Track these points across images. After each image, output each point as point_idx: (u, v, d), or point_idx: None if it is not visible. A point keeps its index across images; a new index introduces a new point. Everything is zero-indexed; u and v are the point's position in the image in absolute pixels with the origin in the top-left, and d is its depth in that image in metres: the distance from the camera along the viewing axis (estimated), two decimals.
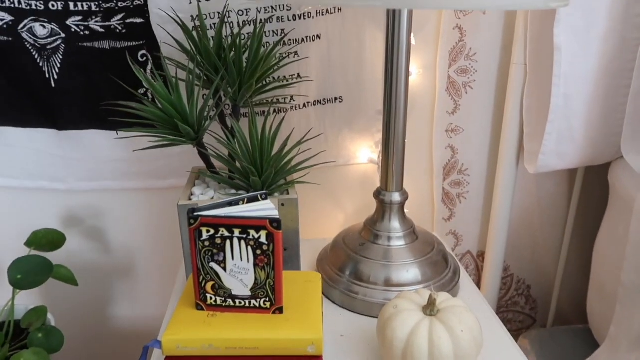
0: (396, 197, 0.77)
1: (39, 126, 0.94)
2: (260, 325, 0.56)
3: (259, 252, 0.56)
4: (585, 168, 1.02)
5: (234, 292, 0.58)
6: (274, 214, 0.56)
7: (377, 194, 0.78)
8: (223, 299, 0.58)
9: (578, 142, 0.86)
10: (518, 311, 1.20)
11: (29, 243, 0.83)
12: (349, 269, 0.77)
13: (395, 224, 0.78)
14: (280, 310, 0.58)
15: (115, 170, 0.97)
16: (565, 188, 1.05)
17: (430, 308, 0.60)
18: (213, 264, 0.57)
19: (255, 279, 0.57)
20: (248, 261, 0.56)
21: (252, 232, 0.55)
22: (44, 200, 0.99)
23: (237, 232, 0.55)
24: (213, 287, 0.58)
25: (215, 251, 0.56)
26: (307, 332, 0.55)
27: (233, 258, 0.56)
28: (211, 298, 0.58)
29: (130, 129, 0.75)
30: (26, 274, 0.74)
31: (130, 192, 1.01)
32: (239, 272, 0.57)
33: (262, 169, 0.71)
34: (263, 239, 0.55)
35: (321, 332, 0.55)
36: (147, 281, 1.07)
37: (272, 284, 0.57)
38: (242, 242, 0.55)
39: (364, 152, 1.00)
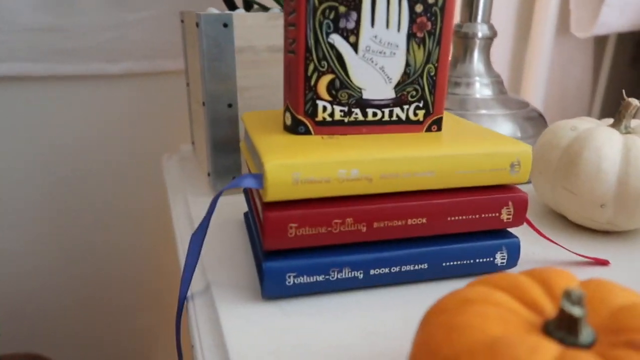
0: (485, 29, 0.57)
1: None
2: (424, 144, 0.33)
3: (419, 8, 0.32)
4: (614, 51, 0.91)
5: (365, 95, 0.33)
6: None
7: (457, 29, 0.58)
8: (345, 109, 0.33)
9: None
10: None
11: None
12: None
13: (481, 67, 0.58)
14: (438, 124, 0.35)
15: (38, 45, 0.65)
16: (590, 75, 0.94)
17: (626, 122, 0.41)
18: (335, 37, 0.31)
19: (407, 64, 0.33)
20: (399, 28, 0.32)
21: None
22: None
23: None
24: (330, 87, 0.32)
25: (342, 10, 0.31)
26: (507, 145, 0.33)
27: (373, 23, 0.32)
28: (325, 109, 0.33)
29: None
30: None
31: (64, 82, 0.68)
32: (379, 51, 0.32)
33: None
34: None
35: (528, 145, 0.33)
36: (109, 221, 0.75)
37: (433, 72, 0.33)
38: None
39: None
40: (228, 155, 0.48)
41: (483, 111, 0.56)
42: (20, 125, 0.68)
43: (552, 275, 0.21)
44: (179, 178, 0.56)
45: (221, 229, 0.42)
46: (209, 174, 0.50)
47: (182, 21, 0.56)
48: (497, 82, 0.59)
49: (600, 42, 0.92)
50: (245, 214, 0.43)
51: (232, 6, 0.53)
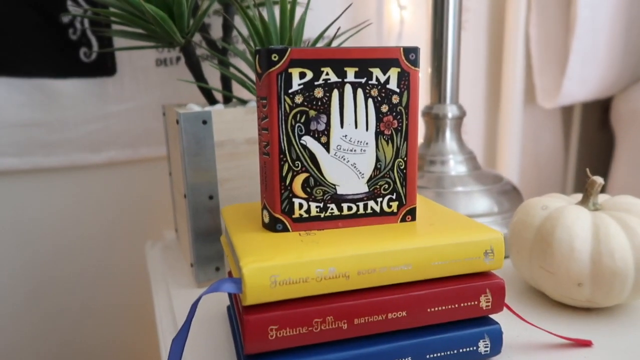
0: (454, 110, 0.60)
1: None
2: (399, 236, 0.33)
3: (385, 108, 0.34)
4: (582, 117, 0.96)
5: (339, 190, 0.34)
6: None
7: (428, 110, 0.60)
8: (321, 205, 0.34)
9: (601, 64, 0.79)
10: None
11: None
12: None
13: (454, 145, 0.60)
14: (412, 214, 0.36)
15: (21, 139, 0.66)
16: (561, 141, 0.98)
17: (593, 199, 0.43)
18: (307, 139, 0.33)
19: (378, 159, 0.34)
20: (367, 127, 0.34)
21: (377, 73, 0.33)
22: None
23: (350, 74, 0.33)
24: (305, 185, 0.34)
25: (312, 114, 0.33)
26: (479, 233, 0.34)
27: (342, 124, 0.33)
28: (301, 206, 0.34)
29: None
30: None
31: (47, 174, 0.69)
32: (350, 149, 0.34)
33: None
34: (393, 84, 0.33)
35: (499, 232, 0.34)
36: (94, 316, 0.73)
37: (402, 166, 0.35)
38: (359, 91, 0.33)
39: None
40: (210, 245, 0.48)
41: (459, 188, 0.57)
42: (3, 218, 0.68)
43: None
44: (162, 267, 0.56)
45: (204, 324, 0.42)
46: (191, 265, 0.50)
47: (164, 114, 0.58)
48: (470, 158, 0.61)
49: (567, 109, 0.96)
50: (228, 308, 0.42)
51: (212, 100, 0.55)
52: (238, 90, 0.66)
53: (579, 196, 0.46)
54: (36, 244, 0.70)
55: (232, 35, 0.62)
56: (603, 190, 0.89)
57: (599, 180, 0.42)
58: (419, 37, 0.79)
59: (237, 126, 0.47)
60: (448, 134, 0.60)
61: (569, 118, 0.97)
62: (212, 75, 0.66)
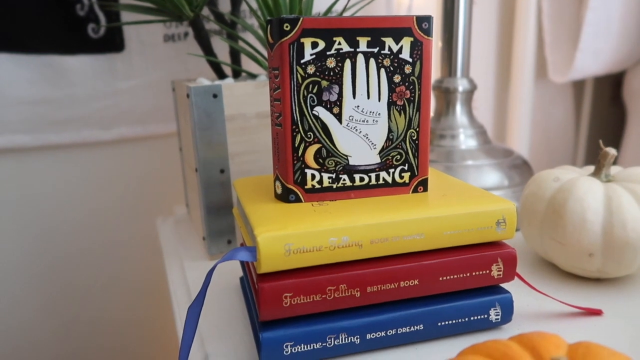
0: (464, 83, 0.59)
1: None
2: (411, 206, 0.33)
3: (397, 78, 0.34)
4: (593, 91, 0.95)
5: (351, 161, 0.34)
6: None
7: (438, 84, 0.60)
8: (333, 175, 0.34)
9: (614, 37, 0.77)
10: None
11: None
12: None
13: (464, 119, 0.60)
14: (424, 185, 0.36)
15: (31, 117, 0.66)
16: (572, 116, 0.97)
17: (606, 171, 0.42)
18: (320, 110, 0.33)
19: (390, 130, 0.34)
20: (379, 97, 0.34)
21: (389, 42, 0.33)
22: None
23: (363, 43, 0.32)
24: (317, 156, 0.34)
25: (324, 84, 0.33)
26: (491, 203, 0.34)
27: (354, 94, 0.33)
28: (313, 177, 0.34)
29: None
30: None
31: (57, 151, 0.70)
32: (362, 120, 0.34)
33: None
34: (405, 54, 0.33)
35: (511, 202, 0.34)
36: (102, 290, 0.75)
37: (415, 137, 0.35)
38: (372, 61, 0.33)
39: None
40: (222, 218, 0.49)
41: (469, 162, 0.57)
42: (15, 195, 0.68)
43: (541, 341, 0.22)
44: (174, 242, 0.56)
45: (218, 295, 0.42)
46: (204, 238, 0.50)
47: (173, 90, 0.58)
48: (481, 132, 0.61)
49: (579, 84, 0.95)
50: (241, 279, 0.43)
51: (221, 74, 0.55)
52: (246, 65, 0.66)
53: (590, 168, 0.46)
54: (47, 221, 0.70)
55: (241, 9, 0.62)
56: (614, 165, 0.89)
57: (612, 151, 0.42)
58: (429, 9, 0.77)
59: (247, 100, 0.47)
60: (458, 108, 0.60)
61: (580, 93, 0.96)
62: (221, 50, 0.66)
